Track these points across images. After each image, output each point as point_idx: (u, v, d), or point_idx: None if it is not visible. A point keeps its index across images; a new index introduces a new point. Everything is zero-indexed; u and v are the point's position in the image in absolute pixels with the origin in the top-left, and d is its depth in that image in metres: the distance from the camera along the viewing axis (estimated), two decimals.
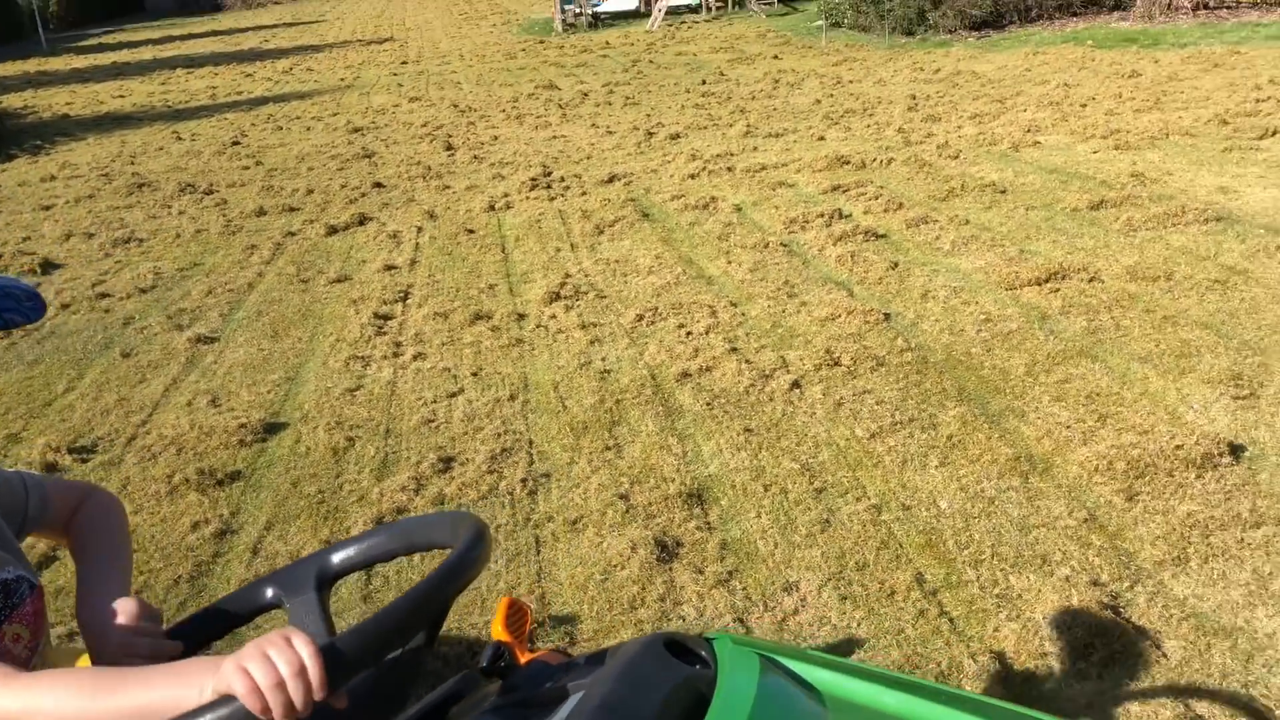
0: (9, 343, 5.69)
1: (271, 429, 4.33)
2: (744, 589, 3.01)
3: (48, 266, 7.21)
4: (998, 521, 3.22)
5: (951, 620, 2.79)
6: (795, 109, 11.14)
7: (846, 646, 2.72)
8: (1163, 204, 6.19)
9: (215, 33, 31.32)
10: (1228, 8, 14.85)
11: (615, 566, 3.12)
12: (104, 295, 6.43)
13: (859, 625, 2.81)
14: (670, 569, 3.10)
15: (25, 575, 1.27)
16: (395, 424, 4.28)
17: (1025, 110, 9.67)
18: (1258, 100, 8.93)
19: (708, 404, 4.19)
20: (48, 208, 9.27)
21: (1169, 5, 14.72)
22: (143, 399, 4.77)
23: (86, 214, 8.85)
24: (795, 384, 4.28)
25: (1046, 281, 5.14)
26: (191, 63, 22.47)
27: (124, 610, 1.20)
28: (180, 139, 12.62)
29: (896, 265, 5.66)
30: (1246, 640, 2.62)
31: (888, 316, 4.93)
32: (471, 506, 3.54)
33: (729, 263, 6.04)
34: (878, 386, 4.20)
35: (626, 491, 3.55)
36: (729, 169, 8.47)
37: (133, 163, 11.22)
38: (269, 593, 1.23)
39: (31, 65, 25.18)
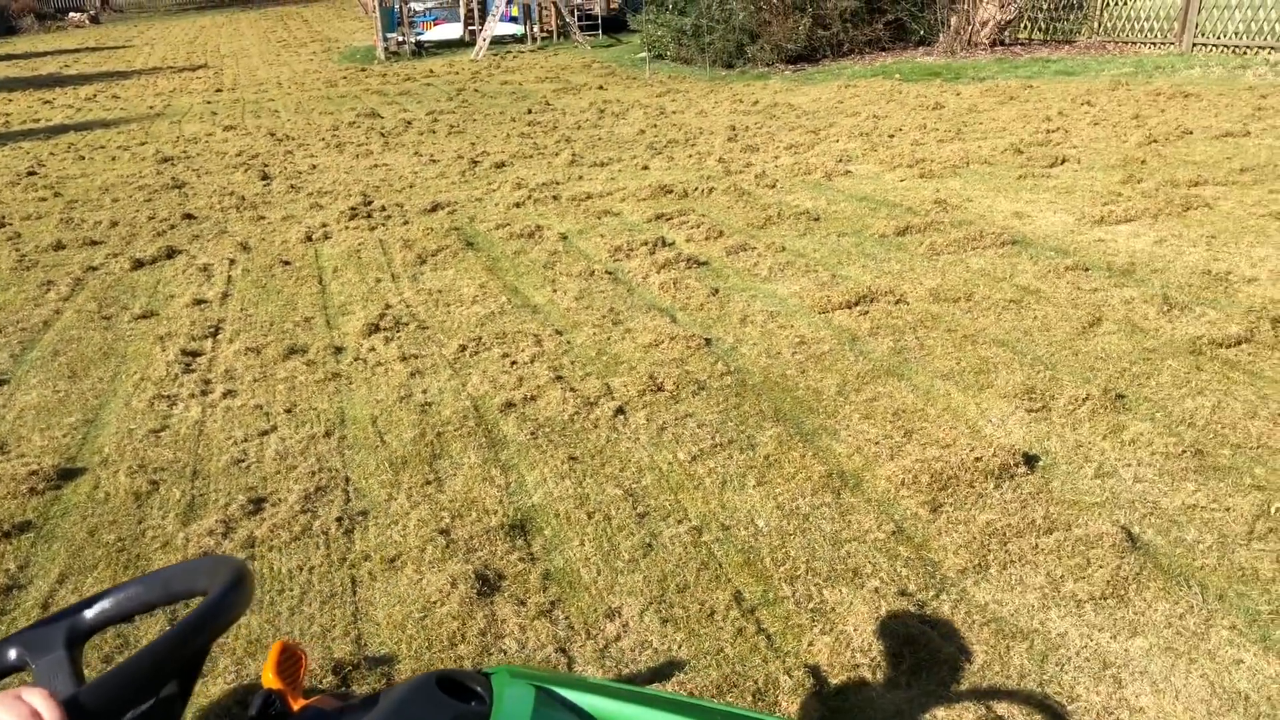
0: None
1: (66, 475, 4.06)
2: (566, 618, 2.99)
3: None
4: (812, 537, 3.31)
5: (769, 637, 2.85)
6: (620, 138, 11.29)
7: (667, 670, 2.74)
8: (963, 229, 6.54)
9: (10, 56, 29.50)
10: (1021, 44, 15.90)
11: (435, 603, 3.05)
12: None
13: (680, 647, 2.83)
14: (492, 602, 3.05)
15: None
16: (203, 465, 4.09)
17: (838, 141, 10.08)
18: (1048, 131, 9.57)
19: (532, 433, 4.16)
20: None
21: (969, 41, 15.65)
22: None
23: None
24: (619, 410, 4.30)
25: (856, 304, 5.34)
26: None
27: None
28: None
29: (717, 291, 5.79)
30: (1041, 641, 2.76)
31: (709, 341, 5.03)
32: (284, 548, 3.41)
33: (555, 291, 6.05)
34: (699, 410, 4.27)
35: (447, 526, 3.48)
36: (555, 198, 8.50)
37: None
38: (11, 654, 1.14)
39: None
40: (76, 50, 30.63)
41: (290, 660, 1.04)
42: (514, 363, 4.94)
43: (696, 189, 8.35)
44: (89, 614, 1.16)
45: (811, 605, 2.97)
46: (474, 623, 2.96)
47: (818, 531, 3.34)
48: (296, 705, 1.04)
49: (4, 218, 8.99)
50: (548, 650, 2.84)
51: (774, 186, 8.30)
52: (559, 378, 4.71)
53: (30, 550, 3.52)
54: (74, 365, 5.33)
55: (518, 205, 8.37)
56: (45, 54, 29.83)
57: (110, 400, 4.84)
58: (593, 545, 3.35)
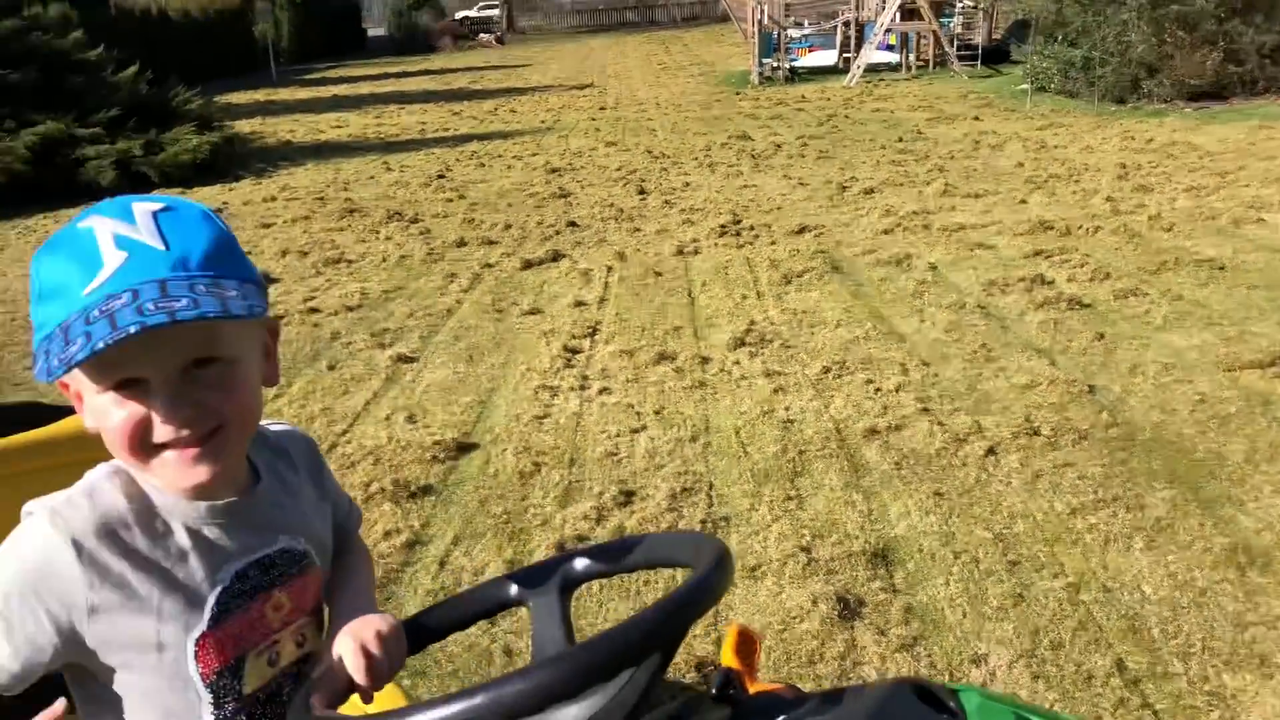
0: None
1: (463, 448, 4.46)
2: (929, 656, 2.89)
3: (265, 280, 7.67)
4: (1210, 614, 3.00)
5: (1155, 713, 2.61)
6: (996, 171, 10.86)
7: None
8: None
9: (428, 72, 33.01)
10: None
11: (794, 619, 3.06)
12: (314, 310, 6.81)
13: (1052, 707, 2.65)
14: (852, 628, 3.01)
15: (311, 552, 1.24)
16: (580, 454, 4.35)
17: (1248, 186, 9.13)
18: None
19: (896, 463, 4.08)
20: (267, 226, 9.92)
21: None
22: (345, 410, 5.00)
23: (302, 234, 9.42)
24: (990, 450, 4.12)
25: (1270, 365, 4.80)
26: (404, 99, 23.73)
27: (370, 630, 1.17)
28: (390, 169, 13.31)
29: (1103, 336, 5.41)
30: None
31: (1092, 389, 4.71)
32: None
33: (922, 321, 5.90)
34: (1080, 461, 4.00)
35: (808, 544, 3.48)
36: (925, 226, 8.32)
37: (346, 189, 11.89)
38: (513, 590, 1.26)
39: (262, 94, 27.15)
40: (483, 68, 33.77)
41: (747, 643, 1.07)
42: (878, 389, 4.86)
43: (1080, 227, 7.86)
44: (579, 564, 1.25)
45: (1208, 688, 2.69)
46: (833, 644, 2.93)
47: (1217, 609, 3.02)
48: (753, 688, 1.07)
49: (418, 215, 10.05)
50: None
51: (1170, 230, 7.65)
52: (925, 410, 4.59)
53: (431, 512, 3.89)
54: (471, 351, 5.85)
55: (886, 232, 8.26)
56: (457, 70, 33.12)
57: (501, 385, 5.26)
58: (958, 586, 3.23)
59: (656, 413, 4.76)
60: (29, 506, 1.09)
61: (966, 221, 8.38)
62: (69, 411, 1.64)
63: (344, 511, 1.39)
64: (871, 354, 5.37)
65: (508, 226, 9.29)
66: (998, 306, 6.09)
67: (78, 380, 1.06)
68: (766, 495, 3.86)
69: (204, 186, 12.71)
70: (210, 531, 1.14)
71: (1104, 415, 4.40)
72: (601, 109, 19.98)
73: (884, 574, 3.31)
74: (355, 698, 1.15)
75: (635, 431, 4.54)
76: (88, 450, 1.17)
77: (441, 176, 12.45)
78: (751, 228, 8.67)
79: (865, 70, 22.10)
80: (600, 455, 4.30)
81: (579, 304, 6.69)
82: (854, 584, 3.25)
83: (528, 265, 7.79)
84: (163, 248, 1.02)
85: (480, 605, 1.28)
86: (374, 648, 1.14)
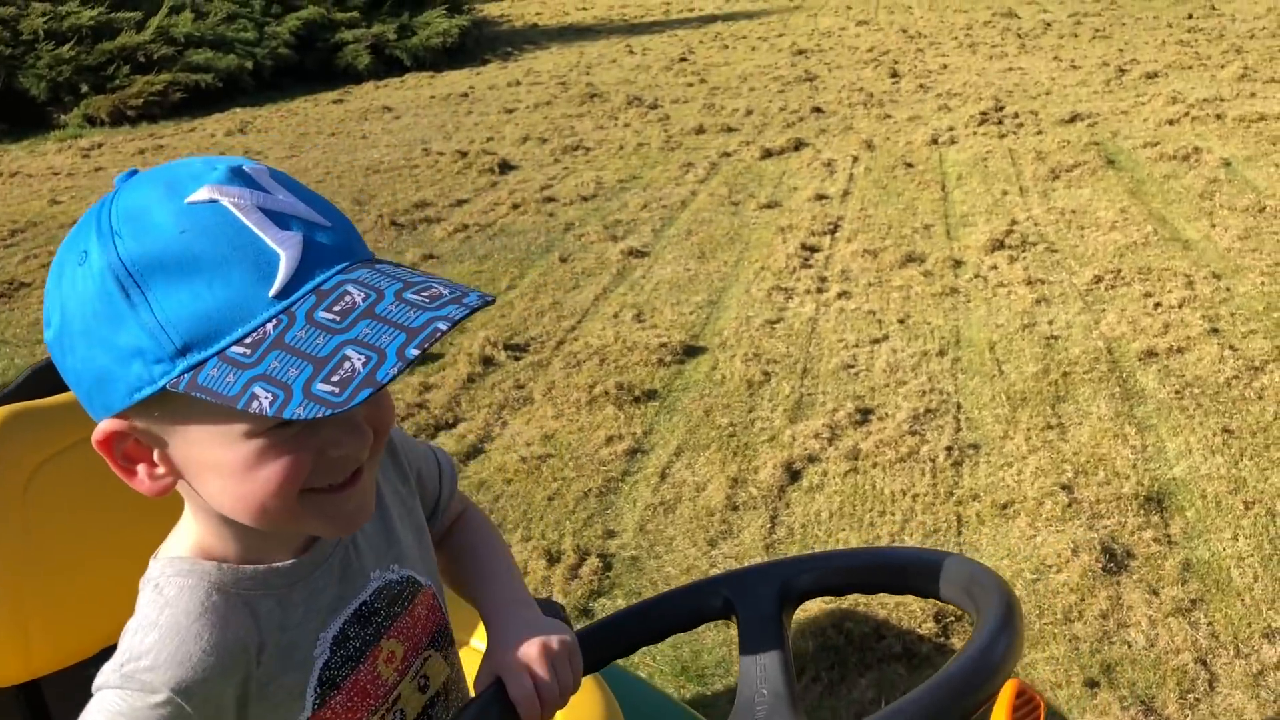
0: (465, 236, 6.11)
1: (690, 352, 4.27)
2: (1210, 624, 2.50)
3: (505, 167, 7.69)
4: None
5: None
6: None
7: None
8: None
9: None
10: None
11: (1050, 567, 2.72)
12: (550, 200, 6.75)
13: None
14: (1118, 583, 2.65)
15: (412, 575, 1.00)
16: (813, 364, 4.07)
17: None
18: None
19: (1176, 392, 3.58)
20: (510, 111, 9.95)
21: None
22: (574, 305, 4.91)
23: (542, 120, 9.38)
24: None
25: None
26: None
27: (541, 653, 0.95)
28: (632, 53, 13.08)
29: None
30: None
31: None
32: (888, 468, 3.25)
33: (1212, 226, 5.19)
34: None
35: (1069, 482, 3.09)
36: (1218, 116, 7.33)
37: (587, 73, 11.77)
38: (721, 598, 1.03)
39: None
40: None
41: (1027, 707, 0.80)
42: (1158, 305, 4.30)
43: None
44: (805, 576, 1.01)
45: None
46: (1095, 602, 2.58)
47: None
48: None
49: (657, 100, 9.81)
50: (1184, 657, 2.39)
51: None
52: (1214, 330, 4.01)
53: (654, 418, 3.74)
54: (703, 246, 5.62)
55: (1171, 122, 7.34)
56: None
57: (732, 285, 5.02)
58: (1249, 543, 2.78)
59: (900, 321, 4.39)
60: (97, 682, 0.83)
61: (1269, 111, 7.32)
62: None
63: (433, 478, 1.11)
64: (1151, 263, 4.76)
65: (749, 112, 8.91)
66: None
67: (172, 428, 0.77)
68: (1023, 422, 3.47)
69: (452, 70, 12.93)
70: (297, 596, 0.89)
71: None
72: None
73: (1158, 522, 2.90)
74: None
75: (875, 341, 4.21)
76: None
77: (683, 59, 12.12)
78: (1015, 115, 7.92)
79: None
80: (836, 367, 4.00)
81: (820, 197, 6.31)
82: (1122, 532, 2.86)
83: (767, 154, 7.43)
84: (327, 223, 0.77)
85: (678, 615, 1.05)
86: (542, 671, 0.93)
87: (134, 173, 0.78)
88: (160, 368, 0.72)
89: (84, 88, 10.94)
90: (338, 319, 0.70)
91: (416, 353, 0.68)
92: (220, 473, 0.78)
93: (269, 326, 0.71)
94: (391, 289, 0.72)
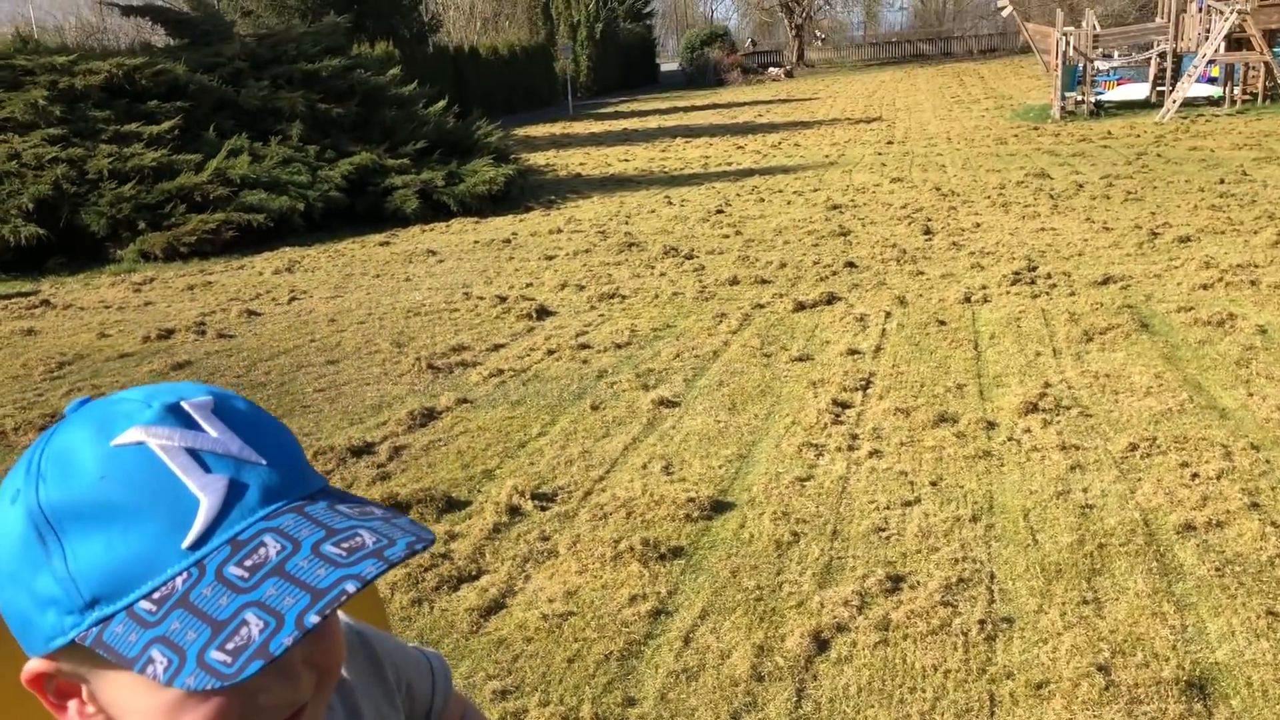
0: (499, 381, 6.17)
1: (718, 508, 4.23)
2: None
3: (542, 313, 7.82)
4: None
5: None
6: None
7: None
8: None
9: (715, 105, 33.44)
10: None
11: None
12: (584, 346, 6.82)
13: None
14: None
15: None
16: (844, 526, 4.01)
17: None
18: None
19: (1217, 569, 3.48)
20: (550, 258, 10.17)
21: None
22: (603, 454, 4.91)
23: (581, 267, 9.58)
24: None
25: None
26: (690, 132, 24.07)
27: None
28: (671, 203, 13.41)
29: None
30: None
31: None
32: (919, 640, 3.17)
33: (1249, 395, 5.14)
34: None
35: (1106, 662, 2.99)
36: (1252, 282, 7.35)
37: (627, 223, 12.05)
38: None
39: (558, 128, 28.42)
40: (770, 101, 33.83)
41: None
42: (1195, 476, 4.23)
43: None
44: None
45: None
46: None
47: None
48: None
49: (694, 250, 9.99)
50: None
51: None
52: (1255, 505, 3.93)
53: (680, 578, 3.68)
54: (734, 398, 5.63)
55: (1205, 287, 7.37)
56: (744, 104, 33.36)
57: (763, 439, 5.01)
58: None
59: (933, 484, 4.35)
60: None
61: None
62: None
63: (425, 687, 1.06)
64: (1187, 431, 4.71)
65: (783, 265, 9.05)
66: None
67: (94, 671, 0.73)
68: (1058, 595, 3.38)
69: (496, 217, 13.29)
70: None
71: None
72: (889, 143, 19.40)
73: (1201, 710, 2.78)
74: None
75: (907, 504, 4.16)
76: None
77: (720, 211, 12.39)
78: (1048, 275, 7.99)
79: (1181, 105, 20.29)
80: (866, 530, 3.95)
81: (852, 352, 6.34)
82: (1162, 719, 2.74)
83: (800, 307, 7.51)
84: (261, 460, 0.74)
85: None
86: None
87: (86, 401, 0.77)
88: (70, 619, 0.69)
89: (141, 225, 11.33)
90: (246, 575, 0.67)
91: (316, 619, 0.65)
92: (144, 718, 0.73)
93: (178, 581, 0.68)
94: (310, 540, 0.69)
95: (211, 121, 13.15)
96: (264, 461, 0.74)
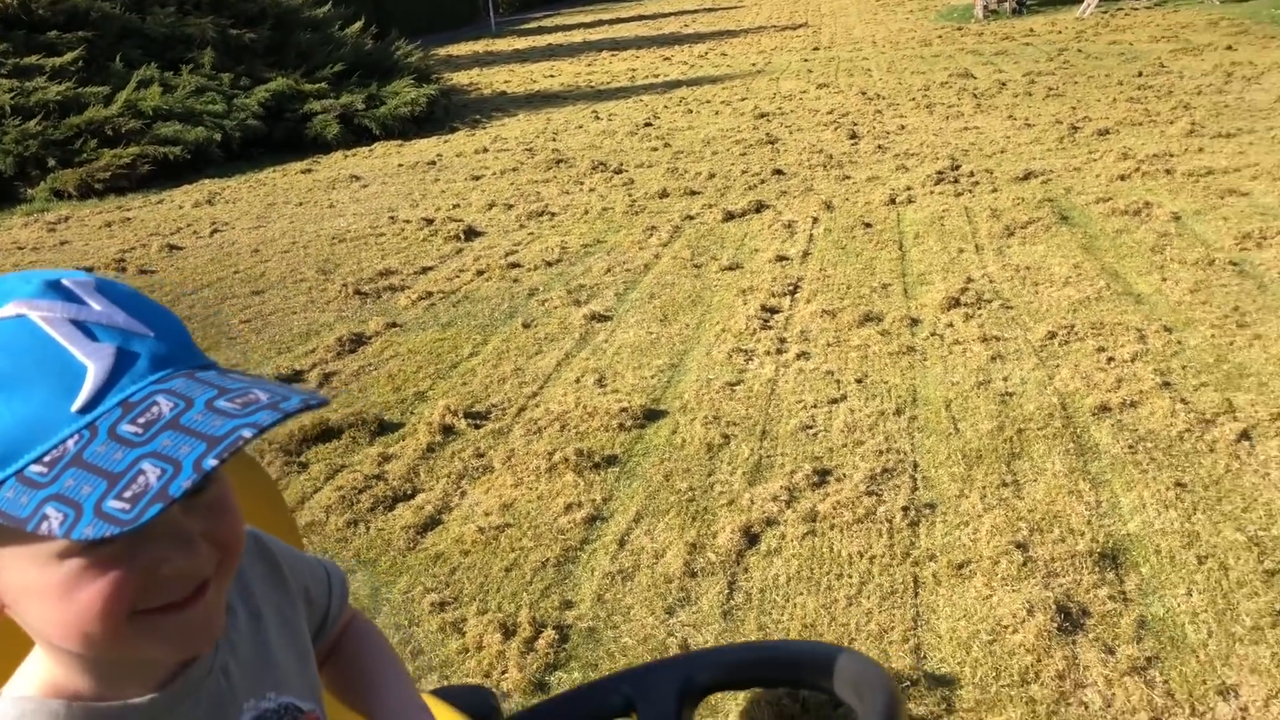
0: (429, 304, 6.13)
1: (651, 416, 4.29)
2: (1165, 682, 2.51)
3: (470, 234, 7.75)
4: None
5: None
6: (1253, 107, 9.72)
7: None
8: None
9: (641, 17, 32.89)
10: None
11: (1006, 628, 2.73)
12: (514, 265, 6.79)
13: None
14: (1074, 642, 2.65)
15: (292, 702, 0.94)
16: (772, 426, 4.09)
17: None
18: None
19: (1130, 446, 3.62)
20: (477, 178, 10.04)
21: None
22: (536, 371, 4.92)
23: (509, 186, 9.47)
24: (1244, 435, 3.59)
25: None
26: (616, 45, 23.69)
27: None
28: (598, 118, 13.25)
29: None
30: None
31: None
32: (845, 529, 3.26)
33: (1163, 280, 5.28)
34: None
35: (1024, 540, 3.11)
36: (1167, 171, 7.50)
37: (554, 139, 11.91)
38: (621, 696, 1.04)
39: (480, 46, 27.81)
40: (695, 10, 33.35)
41: None
42: (1111, 359, 4.36)
43: None
44: (703, 669, 1.02)
45: None
46: (1051, 662, 2.58)
47: None
48: None
49: (622, 165, 9.92)
50: (1140, 717, 2.40)
51: None
52: (1166, 384, 4.07)
53: (614, 484, 3.73)
54: (665, 309, 5.66)
55: (1122, 178, 7.51)
56: (669, 14, 32.86)
57: (693, 348, 5.05)
58: (1203, 597, 2.80)
59: (858, 381, 4.43)
60: None
61: (1216, 165, 7.51)
62: None
63: (322, 593, 1.07)
64: (1104, 317, 4.84)
65: (711, 176, 9.03)
66: (1253, 263, 5.38)
67: None
68: (979, 480, 3.50)
69: (420, 139, 13.05)
70: None
71: None
72: (814, 49, 19.29)
73: (1113, 579, 2.92)
74: None
75: (834, 402, 4.24)
76: None
77: (648, 124, 12.28)
78: (971, 174, 8.08)
79: (1101, 0, 20.39)
80: (794, 428, 4.03)
81: (780, 258, 6.38)
82: (1077, 590, 2.87)
83: (729, 217, 7.52)
84: (149, 332, 0.74)
85: (578, 715, 1.06)
86: None
87: None
88: None
89: (51, 162, 10.95)
90: (140, 431, 0.67)
91: (214, 463, 0.64)
92: (39, 597, 0.72)
93: (69, 443, 0.67)
94: (203, 397, 0.69)
95: (117, 51, 12.68)
96: (151, 333, 0.74)
